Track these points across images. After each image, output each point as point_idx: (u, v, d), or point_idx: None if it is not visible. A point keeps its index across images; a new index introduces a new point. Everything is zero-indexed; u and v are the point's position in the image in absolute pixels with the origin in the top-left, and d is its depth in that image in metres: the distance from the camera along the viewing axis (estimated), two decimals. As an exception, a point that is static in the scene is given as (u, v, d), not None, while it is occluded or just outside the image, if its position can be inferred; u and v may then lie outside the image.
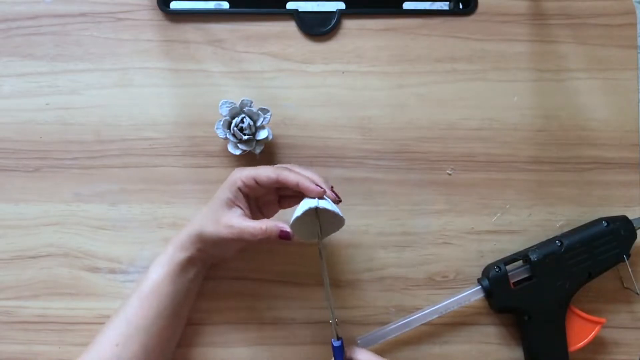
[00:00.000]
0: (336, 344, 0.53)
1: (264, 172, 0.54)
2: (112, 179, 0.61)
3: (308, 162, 0.62)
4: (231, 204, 0.54)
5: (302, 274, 0.61)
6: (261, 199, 0.57)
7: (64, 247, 0.61)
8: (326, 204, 0.52)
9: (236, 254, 0.59)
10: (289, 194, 0.57)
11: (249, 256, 0.61)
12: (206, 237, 0.54)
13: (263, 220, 0.54)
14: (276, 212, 0.58)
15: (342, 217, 0.53)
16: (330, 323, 0.53)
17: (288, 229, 0.52)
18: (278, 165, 0.56)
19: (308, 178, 0.53)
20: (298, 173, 0.54)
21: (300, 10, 0.63)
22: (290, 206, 0.58)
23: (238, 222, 0.53)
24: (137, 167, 0.61)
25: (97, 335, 0.54)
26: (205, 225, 0.54)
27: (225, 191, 0.55)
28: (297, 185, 0.53)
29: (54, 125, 0.62)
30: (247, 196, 0.55)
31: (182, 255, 0.55)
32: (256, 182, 0.54)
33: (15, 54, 0.62)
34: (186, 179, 0.61)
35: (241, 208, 0.55)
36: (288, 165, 0.56)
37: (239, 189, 0.54)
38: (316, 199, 0.52)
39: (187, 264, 0.55)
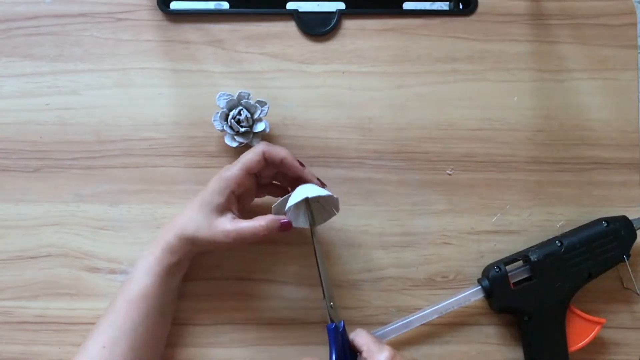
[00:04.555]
0: (330, 326, 0.54)
1: (252, 159, 0.54)
2: (112, 179, 0.61)
3: (308, 162, 0.62)
4: (224, 209, 0.54)
5: (302, 274, 0.61)
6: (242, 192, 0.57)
7: (64, 247, 0.61)
8: (318, 190, 0.54)
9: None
10: (265, 182, 0.58)
11: (249, 257, 0.61)
12: (200, 242, 0.54)
13: (258, 217, 0.54)
14: (252, 201, 0.58)
15: (335, 198, 0.55)
16: (326, 307, 0.55)
17: (287, 219, 0.54)
18: (254, 150, 0.55)
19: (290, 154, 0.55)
20: (280, 148, 0.55)
21: (300, 10, 0.63)
22: (264, 195, 0.58)
23: (234, 225, 0.53)
24: (137, 167, 0.61)
25: (86, 339, 0.54)
26: (198, 230, 0.54)
27: (216, 196, 0.54)
28: (282, 161, 0.54)
29: (54, 125, 0.62)
30: (238, 196, 0.55)
31: (171, 259, 0.54)
32: (247, 172, 0.54)
33: (15, 54, 0.62)
34: (186, 179, 0.61)
35: (233, 212, 0.55)
36: (261, 145, 0.56)
37: (233, 192, 0.54)
38: (306, 188, 0.54)
39: (176, 268, 0.55)
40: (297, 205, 0.54)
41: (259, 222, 0.53)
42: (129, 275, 0.56)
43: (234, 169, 0.54)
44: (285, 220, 0.54)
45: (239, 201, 0.57)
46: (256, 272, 0.61)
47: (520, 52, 0.63)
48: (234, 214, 0.55)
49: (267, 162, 0.55)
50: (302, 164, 0.56)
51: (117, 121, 0.62)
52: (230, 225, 0.53)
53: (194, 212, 0.55)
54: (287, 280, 0.61)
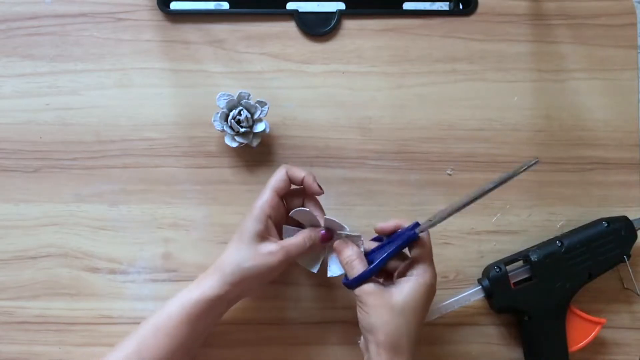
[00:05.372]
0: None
1: (278, 179, 0.54)
2: (112, 179, 0.61)
3: (308, 162, 0.62)
4: (264, 236, 0.53)
5: (302, 274, 0.61)
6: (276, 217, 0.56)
7: (64, 247, 0.61)
8: (336, 270, 0.55)
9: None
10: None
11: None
12: (245, 272, 0.52)
13: (299, 232, 0.55)
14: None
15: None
16: None
17: (324, 231, 0.55)
18: (277, 171, 0.56)
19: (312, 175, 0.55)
20: (302, 168, 0.55)
21: (300, 10, 0.63)
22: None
23: (279, 245, 0.53)
24: (137, 168, 0.61)
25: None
26: (242, 261, 0.52)
27: (255, 223, 0.53)
28: (302, 180, 0.54)
29: (54, 125, 0.62)
30: (274, 222, 0.55)
31: (210, 296, 0.52)
32: (278, 194, 0.54)
33: (15, 54, 0.62)
34: (186, 179, 0.61)
35: (273, 237, 0.54)
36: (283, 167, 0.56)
37: (269, 217, 0.54)
38: (333, 268, 0.55)
39: (214, 305, 0.53)
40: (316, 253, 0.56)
41: (302, 235, 0.54)
42: (161, 309, 0.53)
43: (264, 194, 0.54)
44: (323, 232, 0.55)
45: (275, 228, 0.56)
46: (256, 272, 0.61)
47: (520, 52, 0.63)
48: (276, 239, 0.54)
49: (290, 181, 0.55)
50: (321, 188, 0.55)
51: (117, 121, 0.62)
52: (274, 246, 0.53)
53: (233, 245, 0.53)
54: (288, 280, 0.61)
